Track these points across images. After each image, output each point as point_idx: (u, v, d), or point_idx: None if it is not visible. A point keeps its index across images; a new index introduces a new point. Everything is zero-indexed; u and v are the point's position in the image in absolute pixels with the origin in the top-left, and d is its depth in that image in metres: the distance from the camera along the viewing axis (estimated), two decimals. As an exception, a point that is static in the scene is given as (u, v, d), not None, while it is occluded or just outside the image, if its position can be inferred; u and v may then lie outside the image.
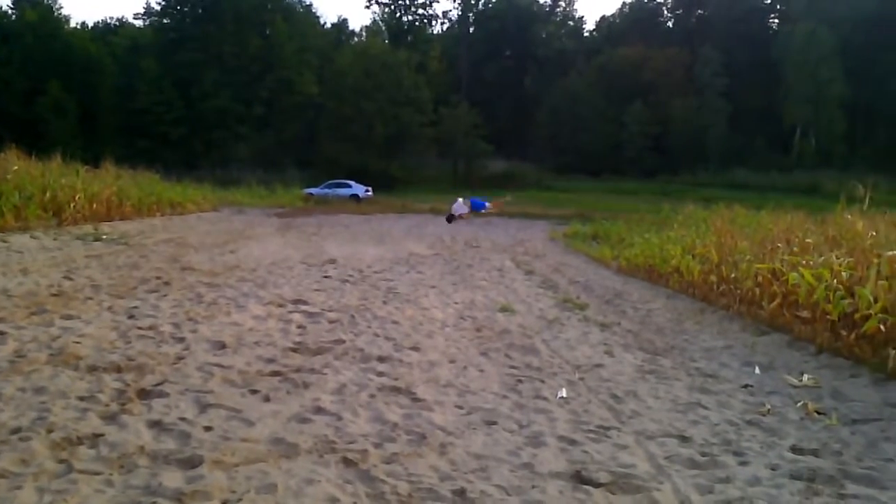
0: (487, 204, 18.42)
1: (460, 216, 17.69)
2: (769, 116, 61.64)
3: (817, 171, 52.65)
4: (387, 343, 7.09)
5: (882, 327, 6.79)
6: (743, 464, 4.30)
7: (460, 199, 18.07)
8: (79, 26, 74.36)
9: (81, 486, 3.54)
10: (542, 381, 5.98)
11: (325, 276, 11.75)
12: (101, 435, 4.20)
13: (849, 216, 10.70)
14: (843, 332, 7.27)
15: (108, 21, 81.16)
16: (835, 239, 10.09)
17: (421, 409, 5.05)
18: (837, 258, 8.42)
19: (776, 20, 73.73)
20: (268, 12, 65.55)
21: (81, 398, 4.86)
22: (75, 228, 17.05)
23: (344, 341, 6.97)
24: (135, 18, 75.01)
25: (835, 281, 7.84)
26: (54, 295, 8.71)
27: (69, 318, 7.40)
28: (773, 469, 4.22)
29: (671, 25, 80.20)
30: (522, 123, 71.25)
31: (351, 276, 11.99)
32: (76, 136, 54.24)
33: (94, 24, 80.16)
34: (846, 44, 57.32)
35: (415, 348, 6.93)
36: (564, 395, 5.59)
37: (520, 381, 5.96)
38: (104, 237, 16.04)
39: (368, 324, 8.01)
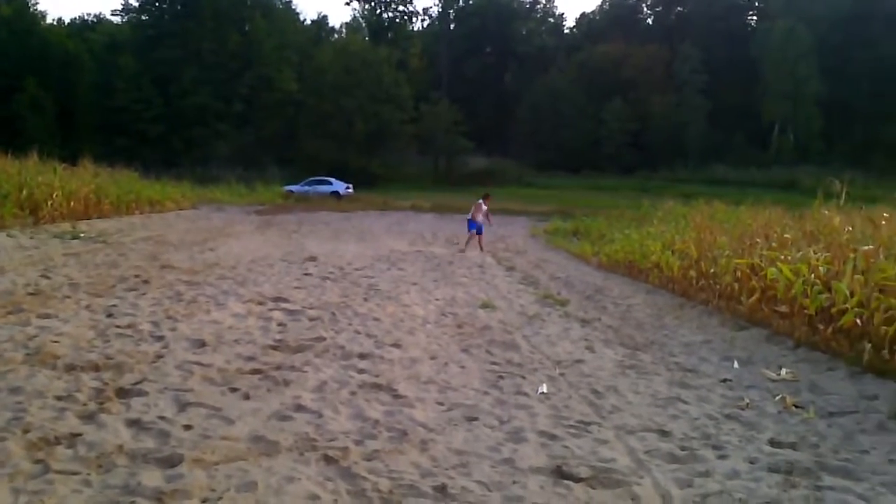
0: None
1: (482, 210, 17.92)
2: (748, 113, 62.07)
3: (795, 166, 53.08)
4: (368, 340, 7.07)
5: (858, 321, 6.89)
6: (722, 457, 4.34)
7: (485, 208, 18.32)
8: (55, 22, 73.44)
9: (59, 487, 3.49)
10: (523, 377, 5.99)
11: (306, 274, 11.71)
12: (79, 434, 4.16)
13: (826, 211, 10.82)
14: (821, 327, 7.36)
15: (86, 17, 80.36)
16: (812, 234, 10.19)
17: (402, 405, 5.05)
18: (815, 253, 8.52)
19: (755, 18, 74.42)
20: (247, 9, 64.92)
21: (59, 397, 4.81)
22: (53, 227, 16.87)
23: (324, 338, 6.95)
24: (113, 15, 73.64)
25: (812, 276, 7.93)
26: (31, 294, 8.61)
27: (46, 316, 7.32)
28: (751, 462, 4.26)
29: (651, 22, 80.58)
30: (503, 120, 71.26)
31: (331, 273, 11.96)
32: (53, 134, 53.43)
33: (72, 20, 79.18)
34: (823, 42, 57.88)
35: (396, 345, 6.92)
36: (545, 390, 5.61)
37: (501, 377, 5.97)
38: (82, 235, 15.89)
39: (349, 321, 8.00)
